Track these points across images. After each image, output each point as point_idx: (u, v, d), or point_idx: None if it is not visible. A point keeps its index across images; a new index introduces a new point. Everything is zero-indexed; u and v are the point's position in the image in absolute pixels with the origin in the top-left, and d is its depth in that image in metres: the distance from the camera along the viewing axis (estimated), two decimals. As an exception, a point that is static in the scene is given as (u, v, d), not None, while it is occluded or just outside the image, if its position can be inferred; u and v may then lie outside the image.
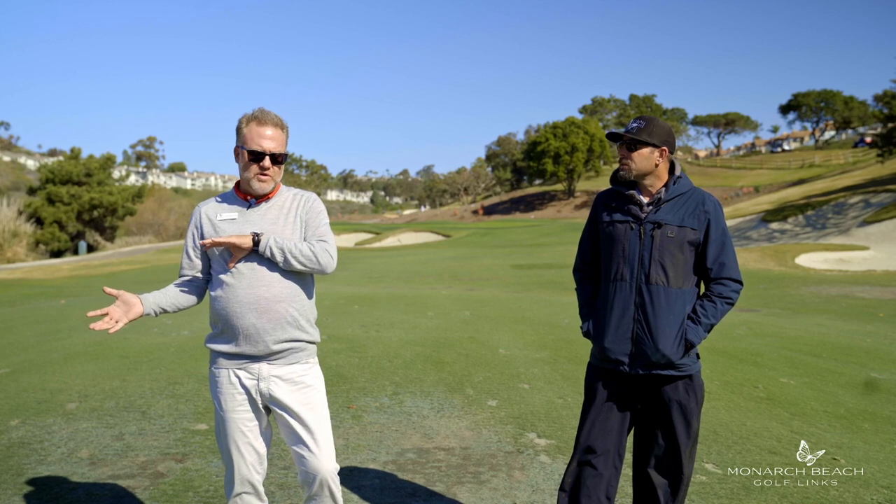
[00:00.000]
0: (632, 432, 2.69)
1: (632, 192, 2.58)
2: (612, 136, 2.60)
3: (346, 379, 5.65)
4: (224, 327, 2.37)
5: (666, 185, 2.57)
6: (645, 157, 2.53)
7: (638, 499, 2.65)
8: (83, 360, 6.43)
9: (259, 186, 2.39)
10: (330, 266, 2.39)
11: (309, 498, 2.46)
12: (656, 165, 2.55)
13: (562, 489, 2.65)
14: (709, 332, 2.52)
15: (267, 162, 2.35)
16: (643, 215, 2.55)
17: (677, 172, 2.59)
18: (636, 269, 2.53)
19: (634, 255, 2.53)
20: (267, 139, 2.35)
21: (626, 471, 3.42)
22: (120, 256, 35.93)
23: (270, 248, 2.32)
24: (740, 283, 2.55)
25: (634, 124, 2.55)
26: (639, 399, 2.59)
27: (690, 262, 2.54)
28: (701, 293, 2.62)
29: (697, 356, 2.59)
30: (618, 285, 2.56)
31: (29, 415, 4.65)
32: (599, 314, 2.63)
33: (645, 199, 2.57)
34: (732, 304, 2.55)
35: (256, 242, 2.32)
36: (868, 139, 71.93)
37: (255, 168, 2.36)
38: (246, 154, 2.36)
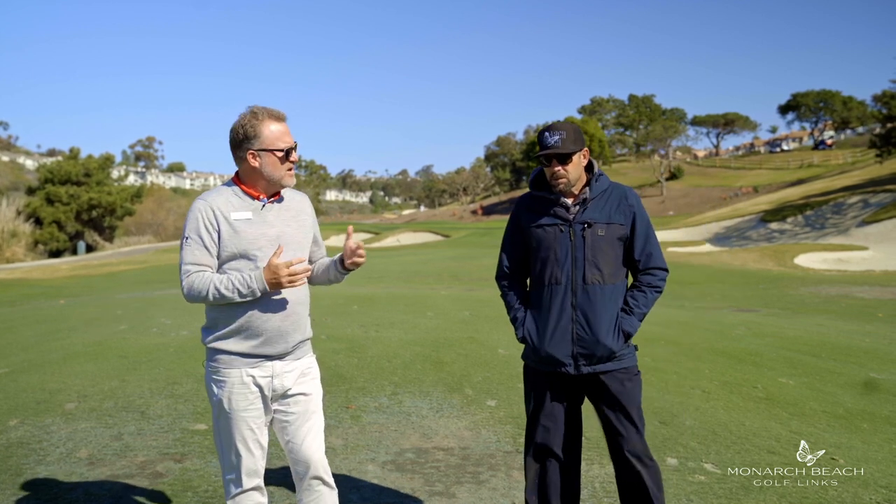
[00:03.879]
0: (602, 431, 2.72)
1: (555, 195, 2.60)
2: (542, 158, 2.54)
3: (345, 379, 5.65)
4: (241, 328, 2.35)
5: (588, 184, 2.60)
6: (577, 165, 2.56)
7: (623, 493, 2.66)
8: (82, 361, 6.42)
9: (291, 182, 2.43)
10: None
11: (303, 489, 2.48)
12: (584, 168, 2.60)
13: (528, 491, 2.68)
14: (641, 320, 2.59)
15: (295, 155, 2.40)
16: (571, 216, 2.57)
17: (596, 170, 2.62)
18: (570, 271, 2.55)
19: (567, 257, 2.55)
20: (288, 134, 2.40)
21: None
22: (119, 256, 35.92)
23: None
24: (666, 270, 2.65)
25: (556, 137, 2.51)
26: (582, 396, 2.66)
27: (620, 256, 2.60)
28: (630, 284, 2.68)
29: (636, 347, 2.66)
30: (553, 289, 2.57)
31: (28, 415, 4.65)
32: (535, 319, 2.64)
33: (569, 201, 2.59)
34: (661, 292, 2.64)
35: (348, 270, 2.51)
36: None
37: (287, 164, 2.39)
38: (278, 153, 2.36)
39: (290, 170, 2.40)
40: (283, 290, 2.36)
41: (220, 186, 2.46)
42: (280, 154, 2.35)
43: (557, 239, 2.56)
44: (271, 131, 2.34)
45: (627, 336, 2.54)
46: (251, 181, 2.40)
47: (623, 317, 2.55)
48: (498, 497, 3.33)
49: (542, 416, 2.64)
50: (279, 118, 2.38)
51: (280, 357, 2.41)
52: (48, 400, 5.02)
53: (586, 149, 2.57)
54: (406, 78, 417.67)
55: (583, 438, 2.74)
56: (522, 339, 2.68)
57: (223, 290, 2.26)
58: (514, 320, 2.72)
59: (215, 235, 2.32)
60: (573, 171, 2.55)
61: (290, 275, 2.25)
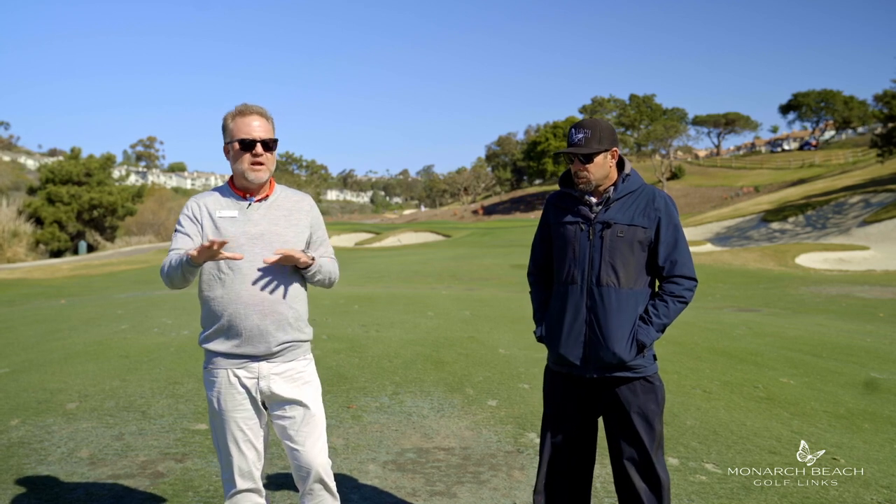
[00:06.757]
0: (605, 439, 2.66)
1: (579, 192, 2.56)
2: (563, 154, 2.52)
3: (346, 379, 5.65)
4: (223, 327, 2.36)
5: (615, 184, 2.55)
6: (600, 166, 2.49)
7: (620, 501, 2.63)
8: (83, 360, 6.43)
9: (255, 176, 2.38)
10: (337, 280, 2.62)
11: (305, 493, 2.47)
12: (610, 167, 2.53)
13: (536, 492, 2.63)
14: (662, 331, 2.49)
15: (259, 149, 2.36)
16: (592, 215, 2.52)
17: (626, 170, 2.56)
18: (586, 270, 2.50)
19: (585, 256, 2.51)
20: (254, 128, 2.37)
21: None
22: (120, 256, 35.92)
23: (317, 271, 2.44)
24: (694, 279, 2.52)
25: (580, 135, 2.47)
26: (599, 402, 2.56)
27: (642, 261, 2.51)
28: (654, 293, 2.58)
29: (654, 357, 2.55)
30: (569, 288, 2.54)
31: (29, 414, 4.65)
32: (552, 318, 2.60)
33: (594, 199, 2.54)
34: (686, 303, 2.51)
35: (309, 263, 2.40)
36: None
37: (247, 157, 2.36)
38: (236, 145, 2.36)
39: (252, 164, 2.37)
40: (261, 290, 2.33)
41: (215, 188, 2.51)
42: (237, 146, 2.36)
43: (577, 237, 2.52)
44: (236, 124, 2.38)
45: (641, 346, 2.44)
46: (237, 176, 2.43)
47: (640, 325, 2.45)
48: (499, 497, 3.32)
49: (555, 418, 2.60)
50: (244, 112, 2.39)
51: (265, 358, 2.38)
52: (49, 400, 5.02)
53: (615, 149, 2.50)
54: (406, 78, 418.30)
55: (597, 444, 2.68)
56: (540, 339, 2.65)
57: (169, 263, 2.32)
58: (535, 319, 2.71)
59: (198, 227, 2.39)
60: (596, 171, 2.48)
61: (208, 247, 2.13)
